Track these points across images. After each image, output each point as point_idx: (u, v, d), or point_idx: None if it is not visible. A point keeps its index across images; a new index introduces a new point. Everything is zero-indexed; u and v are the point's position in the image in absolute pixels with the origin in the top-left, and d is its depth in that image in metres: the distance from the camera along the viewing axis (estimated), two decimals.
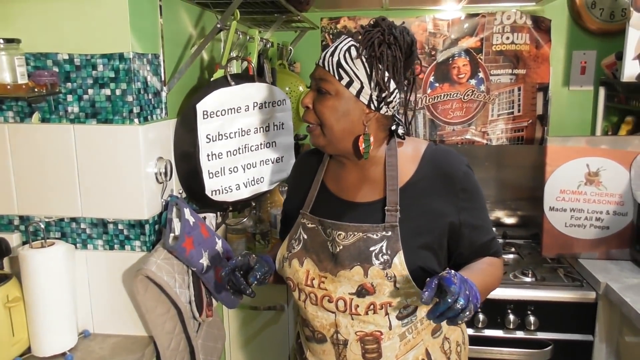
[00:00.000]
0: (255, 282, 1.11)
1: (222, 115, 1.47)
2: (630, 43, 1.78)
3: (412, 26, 2.30)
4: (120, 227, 1.31)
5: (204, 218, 1.47)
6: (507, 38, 2.26)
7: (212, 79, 1.53)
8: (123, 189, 1.28)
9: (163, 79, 1.38)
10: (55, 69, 1.24)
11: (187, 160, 1.46)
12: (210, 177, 1.48)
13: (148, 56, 1.30)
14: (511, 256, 2.08)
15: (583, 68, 2.25)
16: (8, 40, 1.15)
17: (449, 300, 0.88)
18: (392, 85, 1.07)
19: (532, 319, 1.75)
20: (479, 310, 1.78)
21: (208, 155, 1.46)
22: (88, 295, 1.35)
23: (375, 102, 1.07)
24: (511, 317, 1.76)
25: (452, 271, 0.93)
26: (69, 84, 1.25)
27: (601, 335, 1.74)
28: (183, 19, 1.54)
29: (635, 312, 1.48)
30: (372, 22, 1.08)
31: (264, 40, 1.91)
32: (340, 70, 1.06)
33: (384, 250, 1.07)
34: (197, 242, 1.32)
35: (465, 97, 2.31)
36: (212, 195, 1.50)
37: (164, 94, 1.39)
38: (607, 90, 2.19)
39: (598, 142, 1.88)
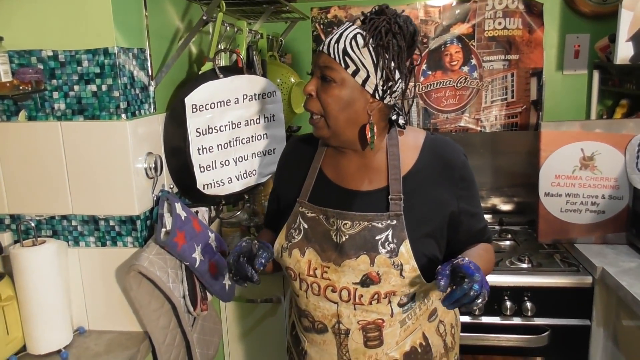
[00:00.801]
0: (261, 268, 1.09)
1: (211, 108, 1.46)
2: (623, 25, 1.76)
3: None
4: (111, 223, 1.31)
5: (197, 212, 1.47)
6: (499, 23, 2.24)
7: (200, 72, 1.52)
8: (113, 185, 1.27)
9: (150, 73, 1.37)
10: (40, 66, 1.23)
11: (177, 155, 1.45)
12: (201, 171, 1.47)
13: (134, 50, 1.29)
14: (507, 243, 2.08)
15: (577, 52, 2.24)
16: None
17: (466, 287, 0.92)
18: (397, 74, 1.06)
19: (528, 305, 1.75)
20: None
21: (199, 149, 1.45)
22: (82, 292, 1.35)
23: (380, 92, 1.07)
24: (508, 303, 1.76)
25: (466, 258, 0.97)
26: (54, 81, 1.24)
27: (598, 320, 1.74)
28: (169, 12, 1.52)
29: (631, 296, 1.48)
30: (375, 9, 1.07)
31: (253, 32, 1.89)
32: (347, 58, 1.04)
33: (390, 239, 1.08)
34: (189, 237, 1.32)
35: (459, 85, 2.30)
36: (204, 189, 1.49)
37: (151, 89, 1.38)
38: (601, 74, 2.17)
39: (592, 126, 1.87)
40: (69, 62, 1.22)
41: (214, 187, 1.52)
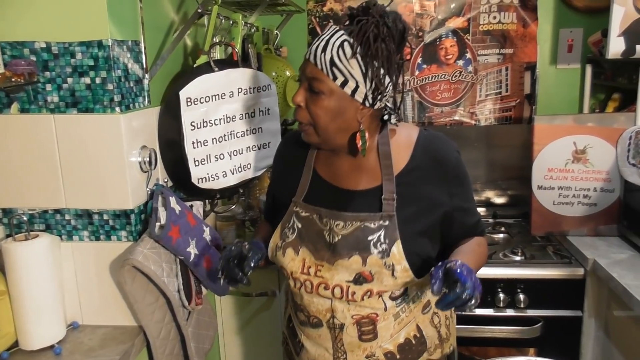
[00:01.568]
0: (251, 271, 1.10)
1: (206, 102, 1.45)
2: (615, 20, 1.77)
3: (399, 7, 2.27)
4: (105, 217, 1.30)
5: (191, 206, 1.46)
6: (494, 17, 2.24)
7: (195, 65, 1.51)
8: (107, 179, 1.26)
9: (145, 66, 1.36)
10: (33, 58, 1.21)
11: (172, 149, 1.44)
12: (196, 165, 1.46)
13: (128, 43, 1.28)
14: (501, 235, 2.09)
15: (570, 46, 2.24)
16: None
17: (458, 291, 0.92)
18: (387, 80, 1.05)
19: (521, 297, 1.76)
20: None
21: (193, 143, 1.44)
22: (75, 286, 1.34)
23: (370, 99, 1.05)
24: (501, 295, 1.77)
25: (459, 261, 0.96)
26: (47, 73, 1.23)
27: (590, 311, 1.76)
28: (164, 4, 1.51)
29: (622, 287, 1.50)
30: (362, 7, 1.03)
31: (248, 25, 1.88)
32: (334, 70, 1.01)
33: (382, 239, 1.08)
34: (184, 231, 1.31)
35: (453, 78, 2.30)
36: (198, 183, 1.49)
37: (145, 82, 1.37)
38: (594, 68, 2.18)
39: (585, 120, 1.88)
40: (63, 54, 1.21)
41: (209, 180, 1.51)
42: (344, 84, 1.02)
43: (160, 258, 1.27)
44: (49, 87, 1.23)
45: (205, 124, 1.46)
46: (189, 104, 1.41)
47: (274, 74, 1.99)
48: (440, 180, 1.13)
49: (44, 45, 1.21)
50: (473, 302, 0.94)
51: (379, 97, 1.05)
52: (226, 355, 1.99)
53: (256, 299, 1.89)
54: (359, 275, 1.08)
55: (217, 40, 1.64)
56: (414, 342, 1.17)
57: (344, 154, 1.14)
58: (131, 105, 1.29)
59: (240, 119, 1.57)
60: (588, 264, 1.71)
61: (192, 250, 1.32)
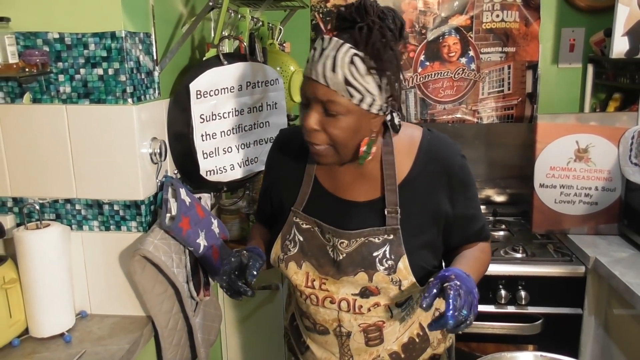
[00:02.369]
0: (254, 280, 1.05)
1: (215, 95, 1.46)
2: (619, 19, 1.78)
3: (402, 4, 2.29)
4: (115, 207, 1.31)
5: (199, 198, 1.47)
6: (497, 16, 2.26)
7: (204, 59, 1.51)
8: (118, 170, 1.27)
9: (155, 58, 1.36)
10: (46, 49, 1.22)
11: (181, 141, 1.45)
12: (204, 158, 1.47)
13: (140, 35, 1.28)
14: (502, 233, 2.11)
15: (572, 45, 2.26)
16: None
17: (451, 314, 0.87)
18: (397, 84, 1.00)
19: (522, 293, 1.78)
20: None
21: (202, 136, 1.45)
22: (85, 276, 1.35)
23: (384, 108, 1.00)
24: (502, 292, 1.79)
25: (457, 281, 0.91)
26: (60, 64, 1.23)
27: (590, 309, 1.78)
28: None
29: (623, 285, 1.52)
30: (356, 7, 0.95)
31: (255, 19, 1.89)
32: (350, 89, 0.94)
33: (388, 255, 1.05)
34: (194, 222, 1.32)
35: (456, 76, 2.32)
36: (206, 175, 1.50)
37: (156, 74, 1.38)
38: (596, 68, 2.20)
39: (587, 119, 1.91)
40: (76, 45, 1.21)
41: (217, 173, 1.52)
42: (361, 100, 0.96)
43: (170, 249, 1.28)
44: (61, 77, 1.24)
45: (214, 117, 1.47)
46: (199, 96, 1.42)
47: (278, 68, 1.99)
48: (444, 188, 1.08)
49: (57, 36, 1.22)
50: (468, 322, 0.89)
51: (392, 102, 1.01)
52: (228, 347, 2.00)
53: (259, 292, 1.90)
54: (365, 289, 1.07)
55: (225, 34, 1.64)
56: (417, 340, 1.17)
57: (348, 163, 1.08)
58: (142, 97, 1.30)
59: (248, 113, 1.58)
60: (589, 262, 1.73)
61: (202, 241, 1.33)
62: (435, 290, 0.92)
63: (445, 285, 0.91)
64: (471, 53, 2.29)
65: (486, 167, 2.33)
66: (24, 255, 1.21)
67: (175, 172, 1.49)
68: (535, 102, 2.31)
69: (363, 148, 1.01)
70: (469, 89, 2.32)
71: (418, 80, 2.34)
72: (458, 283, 0.91)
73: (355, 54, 0.93)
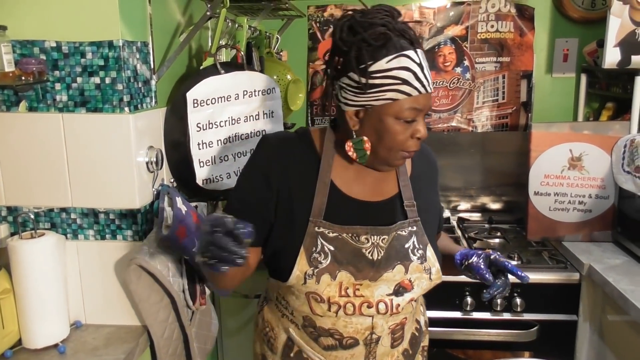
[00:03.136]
0: (249, 239, 0.87)
1: (212, 103, 1.46)
2: (611, 31, 1.81)
3: None
4: (111, 216, 1.30)
5: (196, 207, 1.47)
6: (492, 26, 2.29)
7: (201, 67, 1.52)
8: (114, 179, 1.27)
9: (152, 67, 1.37)
10: (43, 57, 1.22)
11: (177, 149, 1.45)
12: (201, 166, 1.47)
13: (137, 44, 1.29)
14: (497, 240, 2.12)
15: (565, 55, 2.29)
16: None
17: (507, 280, 1.12)
18: None
19: (518, 300, 1.79)
20: (467, 293, 1.81)
21: (199, 144, 1.45)
22: (79, 285, 1.34)
23: None
24: (498, 299, 1.80)
25: (494, 252, 1.14)
26: (56, 72, 1.23)
27: (585, 315, 1.79)
28: (171, 6, 1.52)
29: (618, 292, 1.53)
30: (388, 18, 1.00)
31: (252, 28, 1.90)
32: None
33: (417, 245, 1.11)
34: (190, 231, 1.32)
35: (451, 85, 2.34)
36: (203, 184, 1.50)
37: (153, 83, 1.38)
38: (589, 77, 2.23)
39: (581, 128, 1.92)
40: (73, 53, 1.21)
41: (213, 182, 1.52)
42: None
43: (166, 258, 1.27)
44: (58, 86, 1.24)
45: (210, 126, 1.47)
46: (196, 105, 1.42)
47: (275, 77, 2.00)
48: (434, 185, 1.23)
49: (54, 45, 1.22)
50: (509, 287, 1.13)
51: None
52: (224, 356, 1.99)
53: (255, 300, 1.90)
54: (398, 286, 1.09)
55: (223, 43, 1.65)
56: (417, 334, 1.23)
57: (372, 169, 1.12)
58: (139, 106, 1.30)
59: (245, 121, 1.58)
60: (584, 268, 1.74)
61: None
62: (484, 265, 1.12)
63: (492, 257, 1.13)
64: (466, 63, 2.31)
65: (481, 175, 2.35)
66: (17, 265, 1.20)
67: (172, 180, 1.49)
68: (529, 111, 2.33)
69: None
70: (464, 98, 2.34)
71: None
72: (498, 254, 1.14)
73: (423, 53, 1.03)
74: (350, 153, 1.06)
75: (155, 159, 1.33)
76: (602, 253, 1.83)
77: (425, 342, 1.30)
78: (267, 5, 1.81)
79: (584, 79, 2.24)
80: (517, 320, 1.81)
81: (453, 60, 2.31)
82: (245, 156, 1.61)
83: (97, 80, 1.23)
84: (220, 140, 1.51)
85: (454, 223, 2.27)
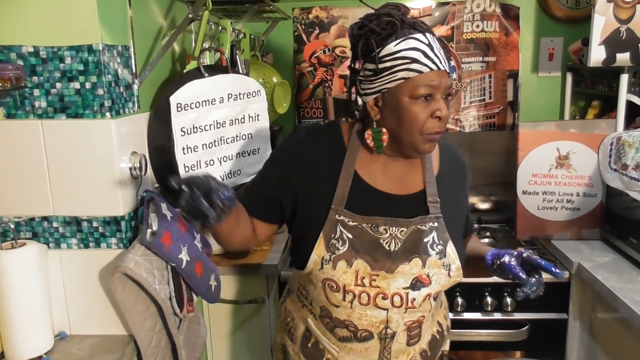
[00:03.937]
0: (222, 205, 0.95)
1: (196, 107, 1.44)
2: (595, 29, 1.82)
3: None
4: (94, 224, 1.27)
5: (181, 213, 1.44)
6: (477, 26, 2.29)
7: (184, 71, 1.50)
8: (97, 186, 1.24)
9: (134, 71, 1.34)
10: (20, 62, 1.19)
11: (162, 154, 1.42)
12: (186, 171, 1.45)
13: (118, 48, 1.26)
14: (486, 240, 2.12)
15: (551, 54, 2.30)
16: None
17: (540, 278, 1.10)
18: None
19: (508, 300, 1.79)
20: (457, 294, 1.81)
21: (183, 149, 1.43)
22: (63, 295, 1.31)
23: None
24: (489, 299, 1.79)
25: (527, 250, 1.12)
26: (35, 78, 1.20)
27: (575, 314, 1.80)
28: (153, 9, 1.50)
29: (607, 289, 1.53)
30: (393, 10, 1.04)
31: (236, 31, 1.88)
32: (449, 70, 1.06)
33: (437, 240, 1.11)
34: (176, 237, 1.30)
35: None
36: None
37: (135, 87, 1.35)
38: (574, 76, 2.24)
39: (567, 126, 1.93)
40: (51, 58, 1.19)
41: None
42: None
43: (152, 265, 1.25)
44: (36, 92, 1.21)
45: (195, 130, 1.45)
46: (179, 109, 1.40)
47: (261, 80, 1.99)
48: (461, 186, 1.23)
49: (31, 50, 1.19)
50: (543, 285, 1.10)
51: None
52: None
53: (244, 306, 1.88)
54: (415, 280, 1.09)
55: (206, 46, 1.63)
56: (437, 337, 1.23)
57: (401, 158, 1.13)
58: (121, 111, 1.28)
59: (230, 125, 1.56)
60: (573, 267, 1.75)
61: (184, 256, 1.30)
62: (517, 264, 1.09)
63: (525, 255, 1.11)
64: (453, 63, 2.31)
65: (470, 174, 2.31)
66: None
67: (156, 186, 1.46)
68: (516, 110, 2.33)
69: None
70: (451, 98, 2.34)
71: None
72: (531, 251, 1.13)
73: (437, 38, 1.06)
74: (368, 141, 1.09)
75: (139, 165, 1.31)
76: (590, 251, 1.83)
77: (445, 347, 1.29)
78: (251, 8, 1.79)
79: (569, 77, 2.25)
80: (508, 320, 1.81)
81: None
82: (231, 160, 1.59)
83: (77, 85, 1.20)
84: (205, 144, 1.49)
85: None
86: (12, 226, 1.24)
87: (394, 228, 1.10)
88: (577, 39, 2.16)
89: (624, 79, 1.81)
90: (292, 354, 1.25)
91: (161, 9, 1.55)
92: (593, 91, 2.12)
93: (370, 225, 1.10)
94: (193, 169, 1.47)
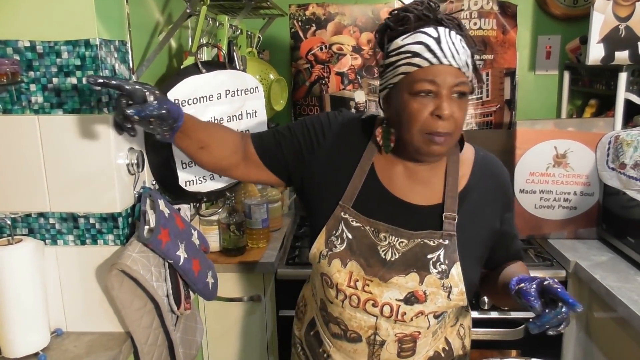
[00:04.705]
0: (136, 117, 1.00)
1: (194, 103, 1.43)
2: (594, 27, 1.81)
3: (380, 12, 2.29)
4: (91, 221, 1.26)
5: (179, 209, 1.44)
6: (475, 24, 2.29)
7: (182, 67, 1.49)
8: (94, 182, 1.23)
9: (131, 66, 1.33)
10: (16, 57, 1.18)
11: (159, 151, 1.41)
12: (183, 168, 1.44)
13: (115, 43, 1.25)
14: None
15: (548, 53, 2.30)
16: None
17: (561, 311, 0.91)
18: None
19: None
20: None
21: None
22: (60, 292, 1.30)
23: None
24: (485, 298, 1.79)
25: (551, 279, 0.95)
26: (31, 73, 1.19)
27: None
28: (150, 4, 1.49)
29: (604, 288, 1.53)
30: (425, 6, 1.00)
31: (233, 27, 1.87)
32: (468, 68, 0.98)
33: (442, 260, 1.04)
34: (173, 234, 1.29)
35: None
36: (185, 186, 1.47)
37: None
38: (572, 74, 2.24)
39: (565, 125, 1.93)
40: (48, 53, 1.17)
41: (196, 184, 1.49)
42: (471, 81, 1.01)
43: (149, 262, 1.24)
44: (33, 87, 1.20)
45: None
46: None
47: (258, 76, 1.98)
48: (496, 204, 1.11)
49: (28, 44, 1.17)
50: (565, 324, 0.93)
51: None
52: None
53: (241, 303, 1.87)
54: (410, 294, 1.04)
55: (204, 42, 1.62)
56: (442, 355, 1.17)
57: (417, 163, 1.08)
58: None
59: (227, 121, 1.55)
60: (570, 266, 1.75)
61: (182, 253, 1.29)
62: (535, 292, 0.93)
63: (546, 284, 0.93)
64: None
65: None
66: None
67: (154, 183, 1.45)
68: (513, 108, 2.34)
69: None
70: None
71: None
72: (555, 280, 0.95)
73: (460, 36, 0.98)
74: (378, 139, 1.07)
75: (136, 161, 1.30)
76: (587, 250, 1.84)
77: None
78: (247, 4, 1.78)
79: (566, 76, 2.26)
80: (504, 318, 1.81)
81: None
82: None
83: (74, 80, 1.19)
84: None
85: None
86: (9, 222, 1.22)
87: (393, 237, 1.06)
88: (574, 37, 2.16)
89: (623, 77, 1.82)
90: (297, 338, 1.31)
91: (158, 4, 1.54)
92: (590, 90, 2.12)
93: (373, 229, 1.07)
94: (190, 165, 1.46)
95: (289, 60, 2.39)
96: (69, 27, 1.16)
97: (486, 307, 1.80)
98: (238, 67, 1.65)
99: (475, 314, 1.82)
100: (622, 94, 1.83)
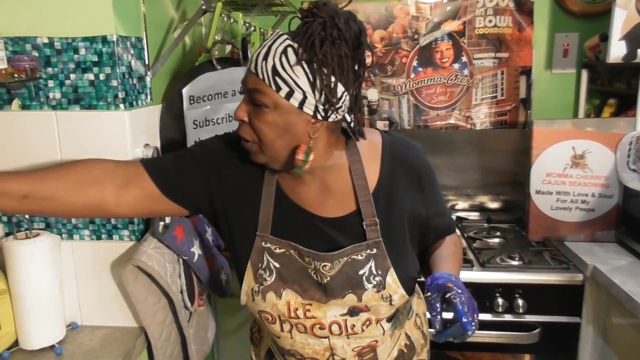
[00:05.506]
0: None
1: (208, 100, 1.43)
2: (616, 24, 1.77)
3: (394, 10, 2.28)
4: None
5: None
6: (490, 21, 2.26)
7: (196, 64, 1.49)
8: None
9: (147, 63, 1.34)
10: (35, 54, 1.19)
11: (174, 147, 1.42)
12: None
13: (131, 39, 1.26)
14: (497, 240, 2.09)
15: (565, 51, 2.27)
16: None
17: (459, 326, 0.88)
18: (340, 88, 0.90)
19: (520, 302, 1.76)
20: None
21: (195, 142, 1.42)
22: (75, 286, 1.31)
23: (322, 112, 0.91)
24: (500, 300, 1.77)
25: (457, 289, 0.91)
26: (49, 69, 1.20)
27: (588, 317, 1.76)
28: (165, 2, 1.50)
29: (624, 293, 1.50)
30: (310, 7, 0.88)
31: (247, 24, 1.87)
32: (278, 79, 0.87)
33: (374, 272, 0.98)
34: (188, 231, 1.30)
35: (449, 82, 2.31)
36: None
37: (148, 79, 1.35)
38: (590, 73, 2.20)
39: (584, 125, 1.90)
40: (66, 49, 1.19)
41: None
42: (290, 95, 0.88)
43: (164, 258, 1.25)
44: (51, 83, 1.21)
45: (207, 123, 1.45)
46: (192, 102, 1.39)
47: None
48: (413, 189, 1.04)
49: (46, 41, 1.19)
50: (473, 330, 0.89)
51: (332, 109, 0.91)
52: (220, 358, 1.97)
53: None
54: (353, 307, 1.00)
55: (219, 39, 1.62)
56: (405, 350, 1.15)
57: (309, 176, 1.00)
58: (134, 103, 1.27)
59: None
60: (587, 269, 1.71)
61: (196, 250, 1.30)
62: (438, 306, 0.92)
63: (447, 296, 0.90)
64: (464, 59, 2.29)
65: (479, 173, 2.32)
66: (13, 266, 1.17)
67: None
68: (528, 107, 2.30)
69: (299, 156, 0.91)
70: (462, 95, 2.31)
71: (411, 87, 2.32)
72: (459, 291, 0.91)
73: (290, 45, 0.88)
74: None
75: (151, 157, 1.30)
76: (605, 253, 1.80)
77: (422, 356, 1.21)
78: (261, 1, 1.78)
79: (584, 74, 2.21)
80: (519, 322, 1.78)
81: (450, 56, 2.28)
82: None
83: (91, 76, 1.20)
84: None
85: None
86: (27, 216, 1.24)
87: (316, 262, 0.98)
88: (593, 35, 2.12)
89: None
90: None
91: (173, 1, 1.55)
92: (610, 89, 2.08)
93: (296, 252, 1.00)
94: None
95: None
96: (86, 23, 1.17)
97: (500, 310, 1.77)
98: None
99: (488, 317, 1.79)
100: None
